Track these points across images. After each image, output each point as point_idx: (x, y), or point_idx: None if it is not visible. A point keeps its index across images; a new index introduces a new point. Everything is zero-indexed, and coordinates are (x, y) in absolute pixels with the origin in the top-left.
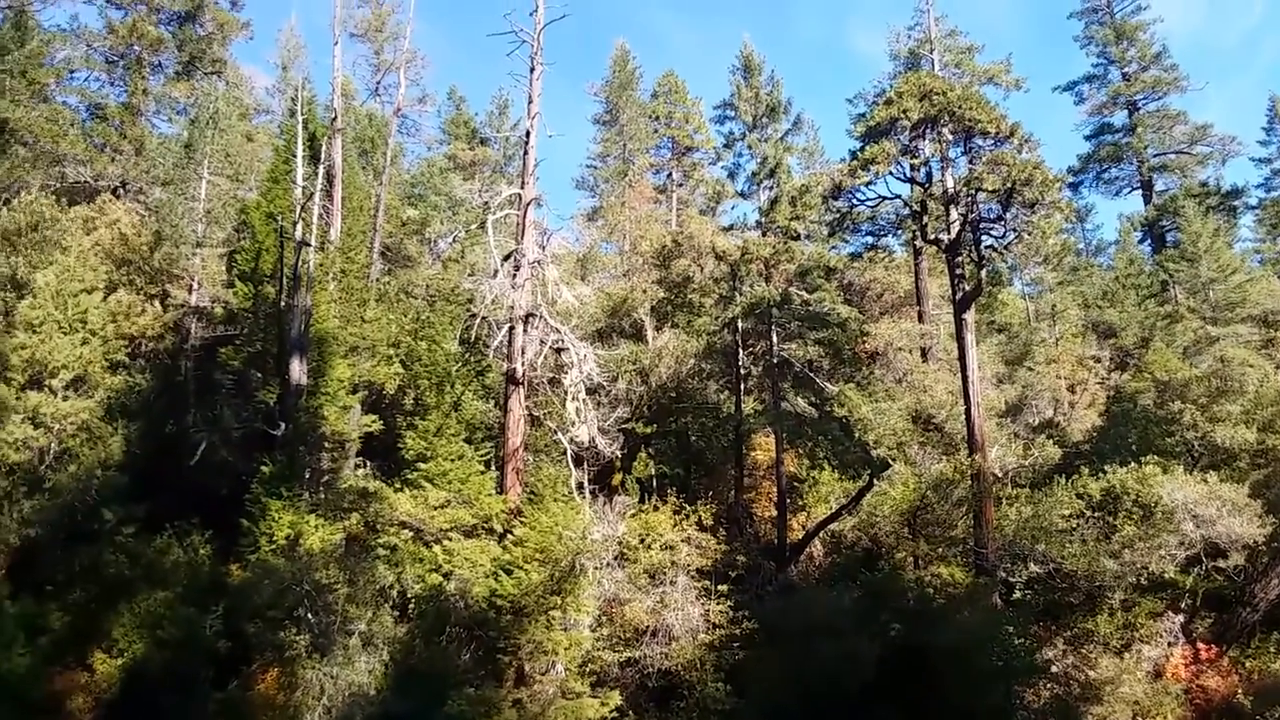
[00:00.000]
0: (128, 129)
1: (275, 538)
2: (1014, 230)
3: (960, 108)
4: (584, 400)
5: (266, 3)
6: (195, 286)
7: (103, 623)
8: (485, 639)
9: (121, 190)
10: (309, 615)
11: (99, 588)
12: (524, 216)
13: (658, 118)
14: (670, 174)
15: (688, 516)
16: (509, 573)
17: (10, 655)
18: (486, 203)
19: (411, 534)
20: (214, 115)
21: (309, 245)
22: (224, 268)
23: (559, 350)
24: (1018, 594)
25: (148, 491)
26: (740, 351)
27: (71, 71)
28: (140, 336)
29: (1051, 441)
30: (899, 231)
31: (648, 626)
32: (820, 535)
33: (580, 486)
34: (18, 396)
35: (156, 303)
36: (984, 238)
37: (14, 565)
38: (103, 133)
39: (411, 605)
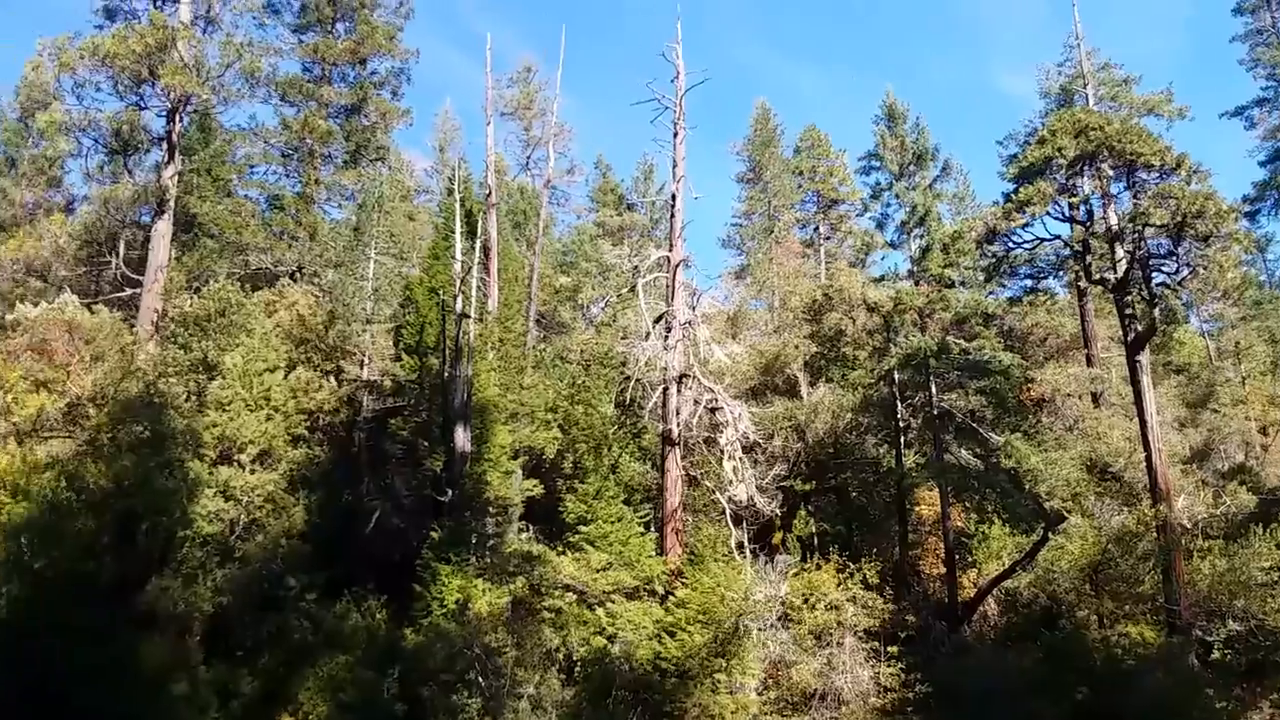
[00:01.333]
0: (302, 216)
1: (445, 602)
2: (1188, 265)
3: (1120, 141)
4: (740, 459)
5: (424, 90)
6: (366, 361)
7: (290, 686)
8: (651, 702)
9: (298, 274)
10: (480, 678)
11: (285, 652)
12: (673, 278)
13: (801, 172)
14: (817, 228)
15: (852, 575)
16: (672, 634)
17: (206, 718)
18: (636, 266)
19: (575, 597)
20: (379, 199)
21: (469, 316)
22: (391, 342)
23: (713, 409)
24: (1216, 654)
25: (328, 559)
26: (898, 404)
27: (251, 166)
28: (318, 411)
29: (1244, 488)
30: (1060, 273)
31: (816, 690)
32: (994, 593)
33: (740, 546)
34: (210, 471)
35: (332, 378)
36: (1154, 275)
37: (208, 632)
38: (280, 221)
39: (577, 668)
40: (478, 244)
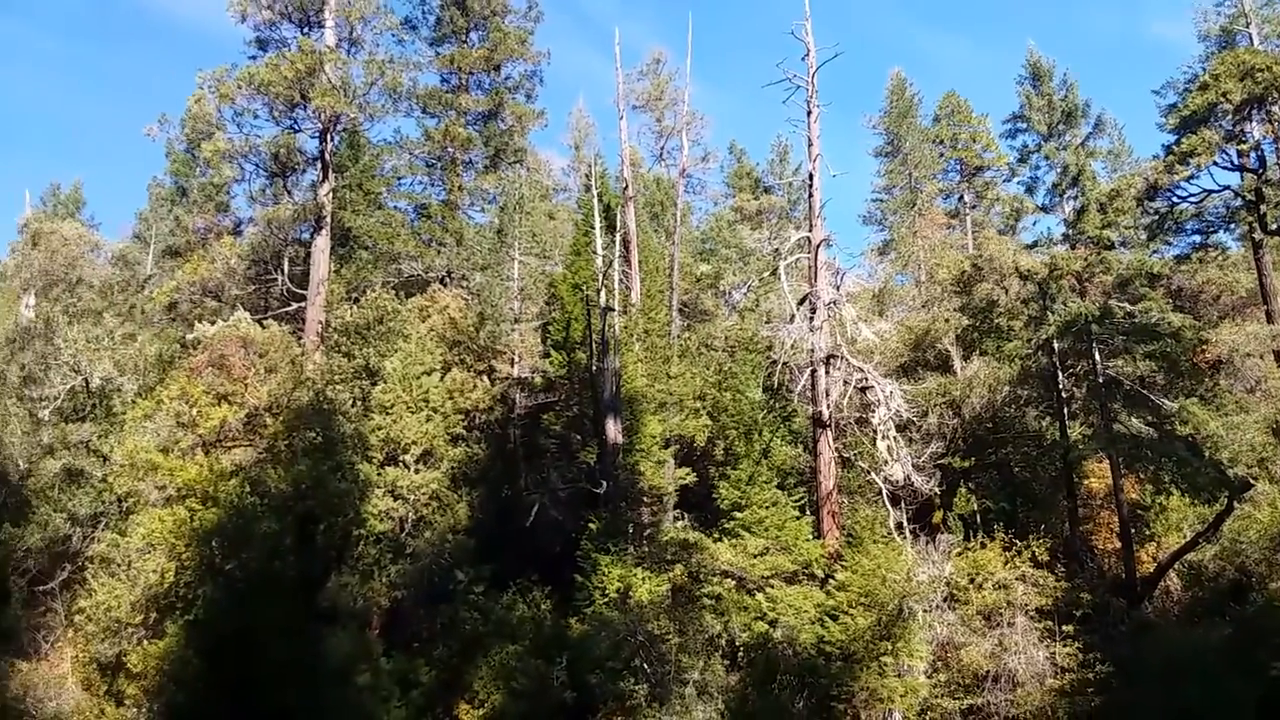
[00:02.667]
0: (449, 223)
1: (607, 591)
2: None
3: None
4: (895, 438)
5: (557, 90)
6: (516, 359)
7: (464, 676)
8: (817, 686)
9: (447, 278)
10: (644, 665)
11: (458, 643)
12: (815, 259)
13: (942, 141)
14: (961, 197)
15: (1019, 553)
16: (834, 618)
17: (389, 708)
18: (776, 249)
19: (734, 582)
20: (519, 200)
21: (613, 310)
22: (539, 339)
23: (864, 389)
24: None
25: (492, 552)
26: (1059, 374)
27: (399, 178)
28: (474, 410)
29: None
30: (1232, 226)
31: (988, 671)
32: (1175, 567)
33: (899, 526)
34: (378, 472)
35: (485, 378)
36: None
37: (386, 625)
38: (428, 229)
39: (740, 653)
40: (617, 238)
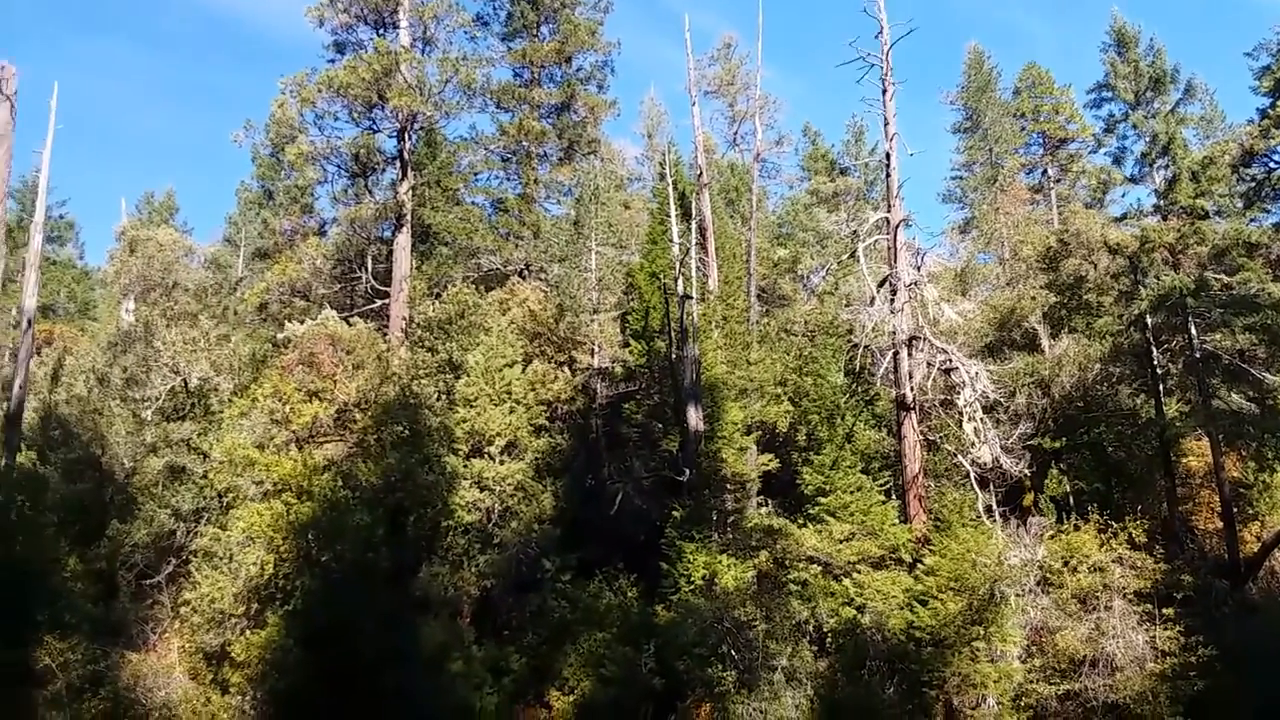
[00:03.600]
0: (525, 216)
1: (692, 578)
2: None
3: None
4: (981, 419)
5: (628, 79)
6: (596, 350)
7: (554, 663)
8: (908, 672)
9: (526, 271)
10: (732, 651)
11: (547, 631)
12: (894, 239)
13: (1023, 114)
14: (1045, 171)
15: (1115, 535)
16: (924, 603)
17: (481, 695)
18: (855, 231)
19: (820, 568)
20: (594, 191)
21: (690, 298)
22: (618, 329)
23: (948, 371)
24: None
25: (577, 541)
26: (1153, 350)
27: (475, 174)
28: (555, 401)
29: None
30: None
31: (1085, 656)
32: None
33: (989, 509)
34: (465, 464)
35: (565, 369)
36: None
37: (476, 613)
38: (505, 223)
39: (828, 639)
40: (693, 225)
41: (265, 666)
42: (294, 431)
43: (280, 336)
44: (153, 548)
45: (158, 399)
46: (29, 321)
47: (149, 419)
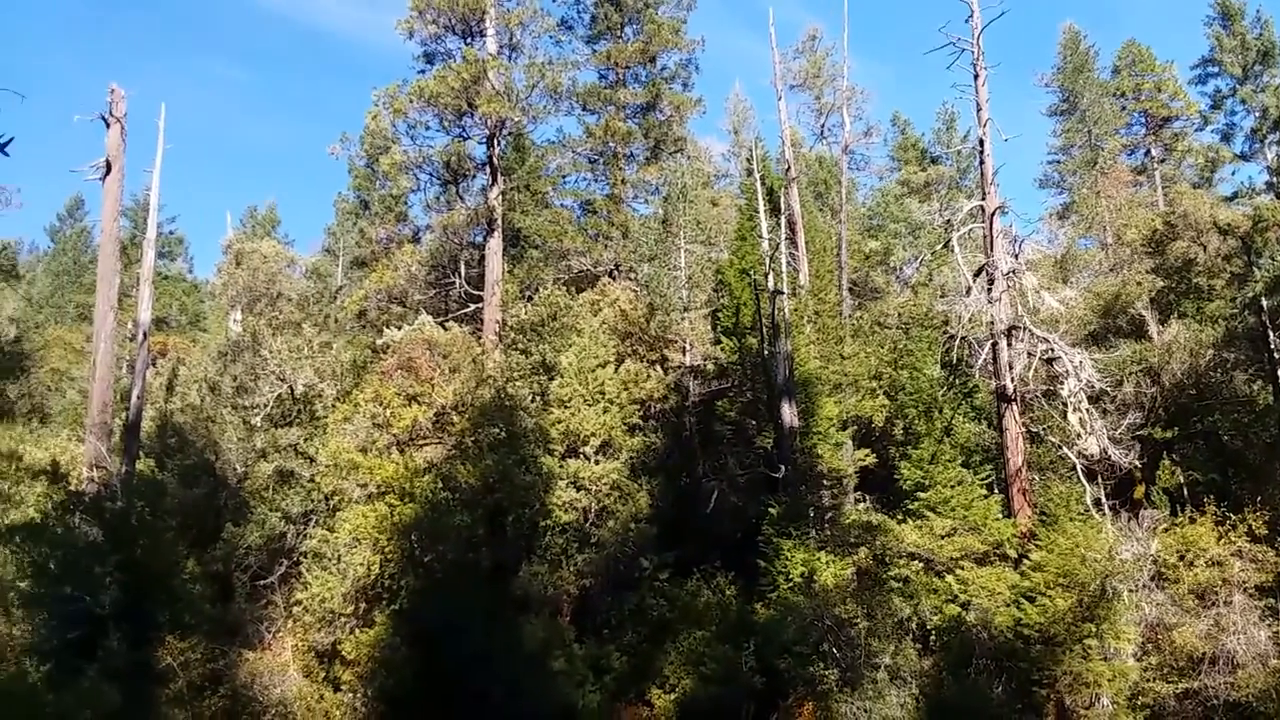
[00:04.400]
0: (614, 216)
1: (791, 576)
2: None
3: None
4: (1087, 410)
5: (713, 76)
6: (687, 348)
7: (654, 661)
8: (1016, 670)
9: (616, 271)
10: (834, 650)
11: (646, 629)
12: (990, 227)
13: (1123, 94)
14: (1148, 151)
15: (1234, 527)
16: (1031, 600)
17: (583, 692)
18: (948, 221)
19: (921, 565)
20: (682, 190)
21: (781, 293)
22: (709, 326)
23: (1050, 360)
24: None
25: (674, 539)
26: (1270, 333)
27: (563, 176)
28: (649, 400)
29: None
30: None
31: (1204, 653)
32: None
33: (1097, 503)
34: (560, 464)
35: (657, 367)
36: None
37: (575, 612)
38: (594, 224)
39: (932, 637)
40: (782, 220)
41: (374, 664)
42: (395, 435)
43: (379, 342)
44: (265, 550)
45: (266, 406)
46: (144, 334)
47: (258, 425)
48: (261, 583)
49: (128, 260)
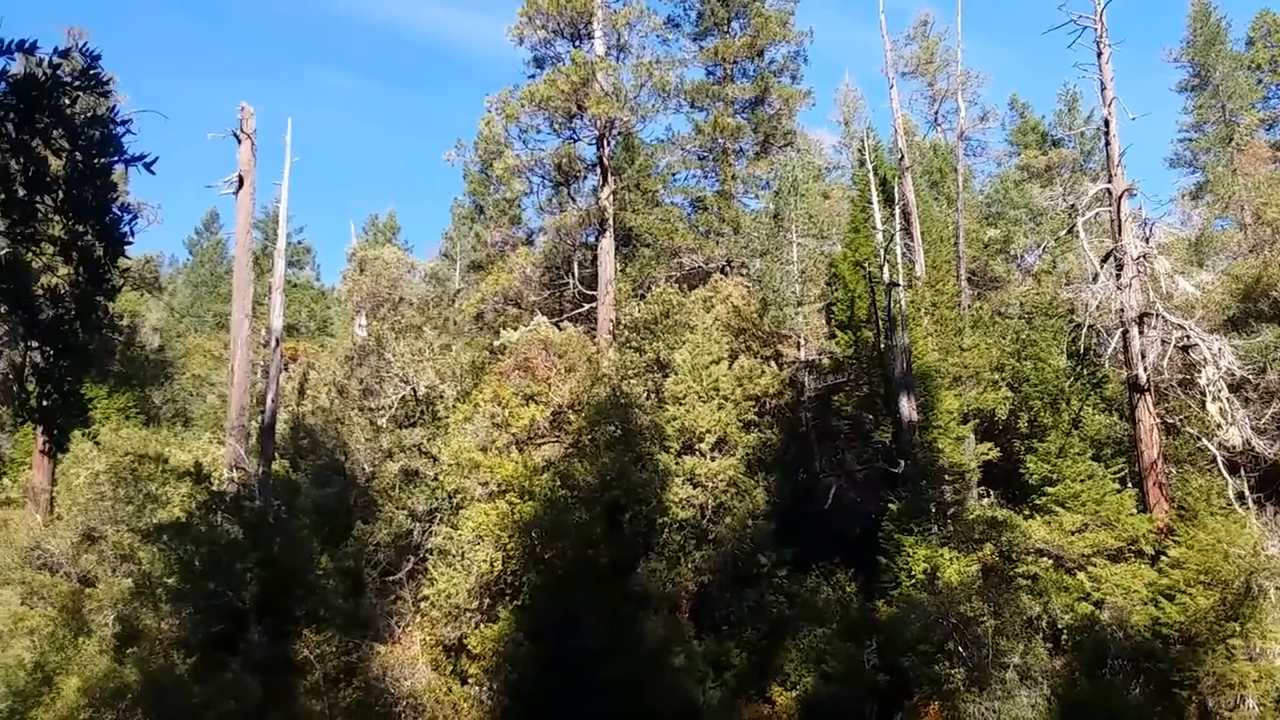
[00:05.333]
0: (724, 212)
1: (913, 572)
2: None
3: None
4: (1227, 399)
5: (821, 68)
6: (802, 343)
7: (774, 658)
8: (1154, 671)
9: (727, 267)
10: (959, 648)
11: (766, 626)
12: (1117, 211)
13: (1259, 66)
14: None
15: None
16: (1170, 598)
17: (704, 689)
18: (1072, 205)
19: (1051, 561)
20: (793, 183)
21: (897, 285)
22: (824, 321)
23: (1185, 348)
24: None
25: (792, 536)
26: None
27: (673, 174)
28: (763, 396)
29: None
30: None
31: None
32: None
33: (1240, 496)
34: (676, 461)
35: (772, 363)
36: None
37: (694, 608)
38: (705, 220)
39: (1064, 636)
40: (896, 210)
41: (499, 659)
42: (514, 434)
43: (496, 343)
44: (393, 546)
45: (391, 407)
46: (277, 340)
47: (384, 426)
48: (390, 578)
49: (260, 270)
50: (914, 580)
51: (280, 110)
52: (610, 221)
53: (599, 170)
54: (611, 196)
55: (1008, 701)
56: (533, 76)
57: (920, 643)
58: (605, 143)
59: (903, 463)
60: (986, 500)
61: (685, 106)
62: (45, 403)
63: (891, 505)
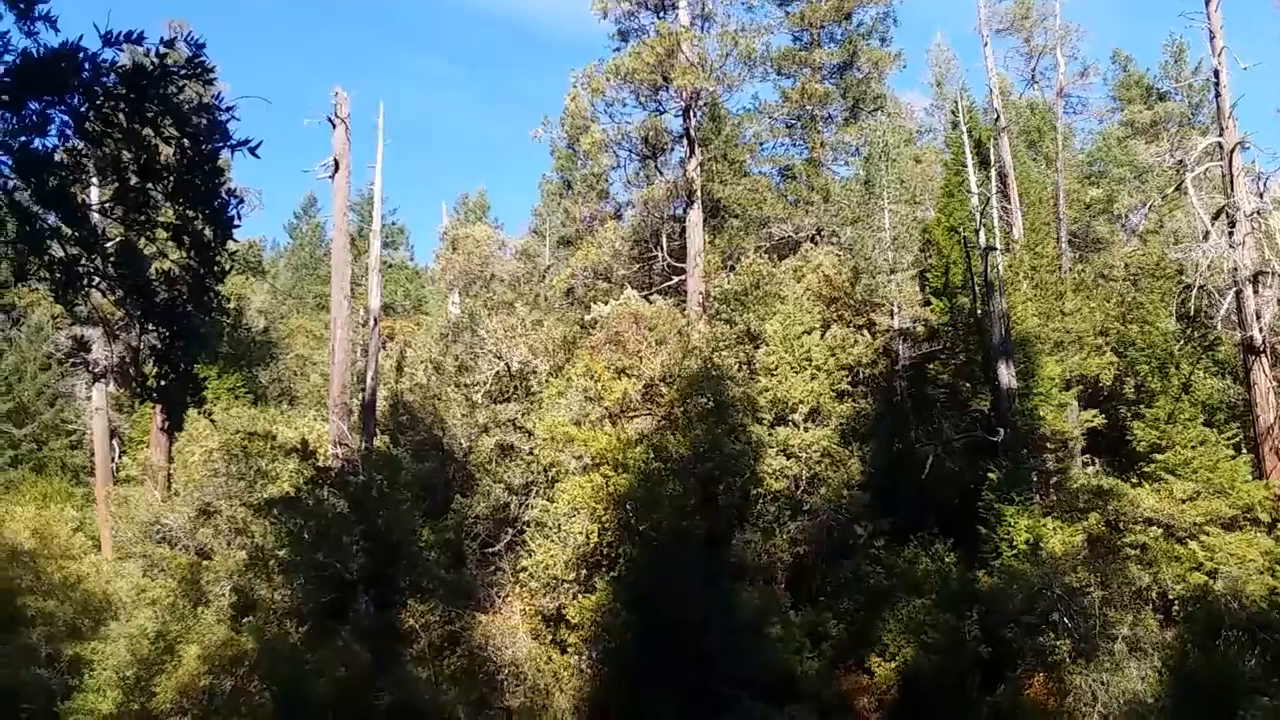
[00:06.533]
0: (813, 181)
1: (1015, 543)
2: None
3: None
4: None
5: (912, 28)
6: (895, 311)
7: (872, 629)
8: (1271, 643)
9: (817, 236)
10: (1065, 620)
11: (863, 596)
12: (1229, 165)
13: None
14: None
15: None
16: None
17: (801, 659)
18: (1180, 161)
19: (1160, 530)
20: (884, 148)
21: (994, 249)
22: (917, 288)
23: None
24: None
25: (888, 506)
26: None
27: (760, 143)
28: (856, 365)
29: None
30: None
31: None
32: None
33: None
34: (769, 432)
35: (865, 332)
36: None
37: (790, 579)
38: (793, 189)
39: (1175, 607)
40: (992, 172)
41: (597, 628)
42: (606, 408)
43: (587, 318)
44: (491, 519)
45: (485, 383)
46: (374, 320)
47: (479, 401)
48: (489, 550)
49: (357, 251)
50: (1015, 551)
51: (372, 94)
52: (698, 193)
53: (686, 142)
54: (699, 168)
55: (1116, 673)
56: (617, 50)
57: (1024, 614)
58: (691, 114)
59: (1002, 431)
60: (1091, 469)
61: (772, 74)
62: (163, 383)
63: (991, 475)
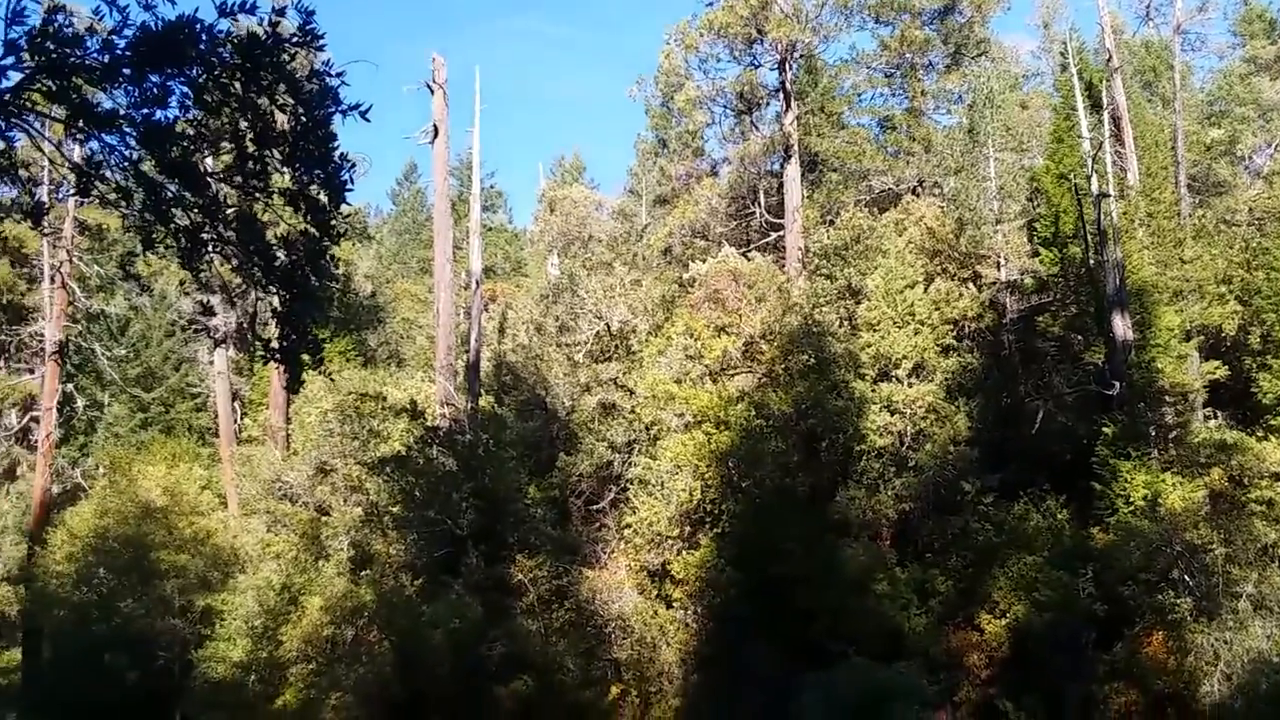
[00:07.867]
0: (914, 131)
1: (1131, 499)
2: None
3: None
4: None
5: None
6: (1002, 262)
7: (981, 586)
8: None
9: (919, 188)
10: (1185, 577)
11: (971, 553)
12: None
13: None
14: None
15: None
16: None
17: (909, 615)
18: None
19: None
20: (988, 95)
21: (1108, 196)
22: (1025, 239)
23: None
24: None
25: (996, 462)
26: None
27: (859, 94)
28: (961, 319)
29: None
30: None
31: None
32: None
33: None
34: (873, 389)
35: (970, 285)
36: None
37: (896, 535)
38: (893, 140)
39: None
40: (1105, 116)
41: (701, 584)
42: (706, 366)
43: (685, 276)
44: (595, 477)
45: (586, 343)
46: (477, 282)
47: (580, 361)
48: (594, 507)
49: (457, 215)
50: (1132, 507)
51: (470, 57)
52: (795, 147)
53: (781, 96)
54: (795, 122)
55: (1240, 632)
56: (710, 4)
57: (1142, 571)
58: (787, 67)
59: (1117, 384)
60: (1214, 422)
61: (869, 22)
62: (285, 344)
63: (1106, 429)
